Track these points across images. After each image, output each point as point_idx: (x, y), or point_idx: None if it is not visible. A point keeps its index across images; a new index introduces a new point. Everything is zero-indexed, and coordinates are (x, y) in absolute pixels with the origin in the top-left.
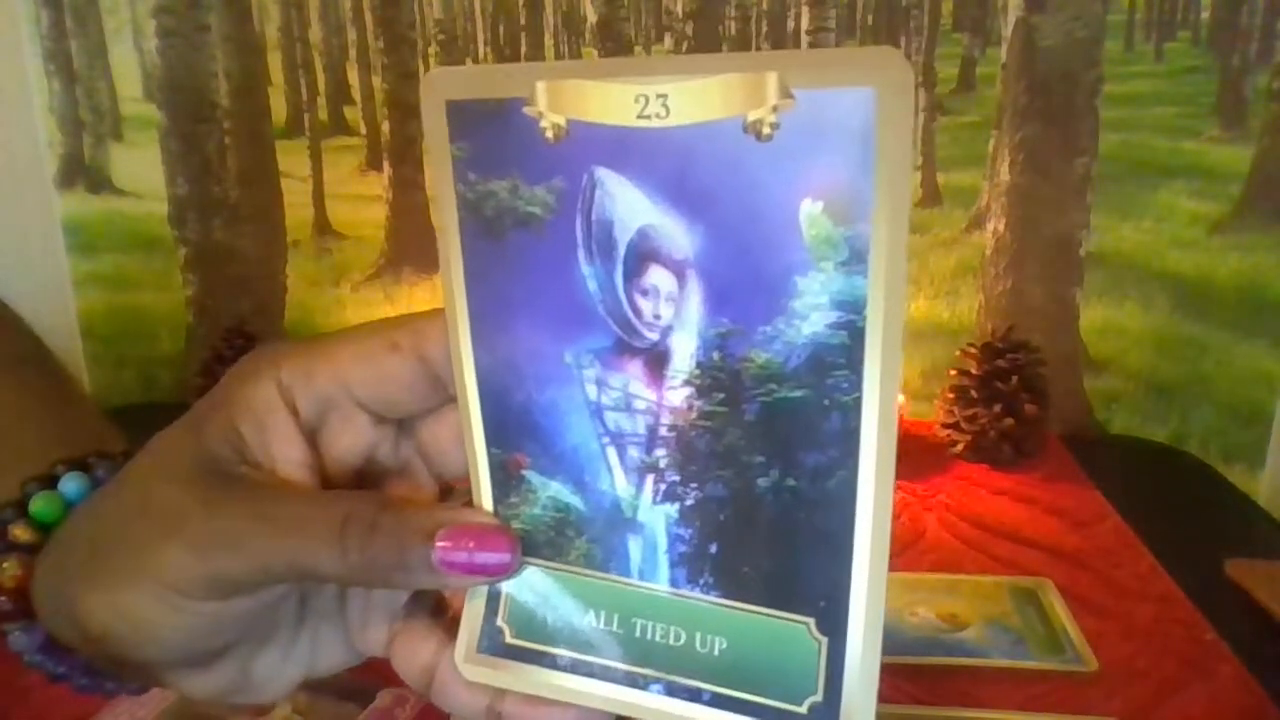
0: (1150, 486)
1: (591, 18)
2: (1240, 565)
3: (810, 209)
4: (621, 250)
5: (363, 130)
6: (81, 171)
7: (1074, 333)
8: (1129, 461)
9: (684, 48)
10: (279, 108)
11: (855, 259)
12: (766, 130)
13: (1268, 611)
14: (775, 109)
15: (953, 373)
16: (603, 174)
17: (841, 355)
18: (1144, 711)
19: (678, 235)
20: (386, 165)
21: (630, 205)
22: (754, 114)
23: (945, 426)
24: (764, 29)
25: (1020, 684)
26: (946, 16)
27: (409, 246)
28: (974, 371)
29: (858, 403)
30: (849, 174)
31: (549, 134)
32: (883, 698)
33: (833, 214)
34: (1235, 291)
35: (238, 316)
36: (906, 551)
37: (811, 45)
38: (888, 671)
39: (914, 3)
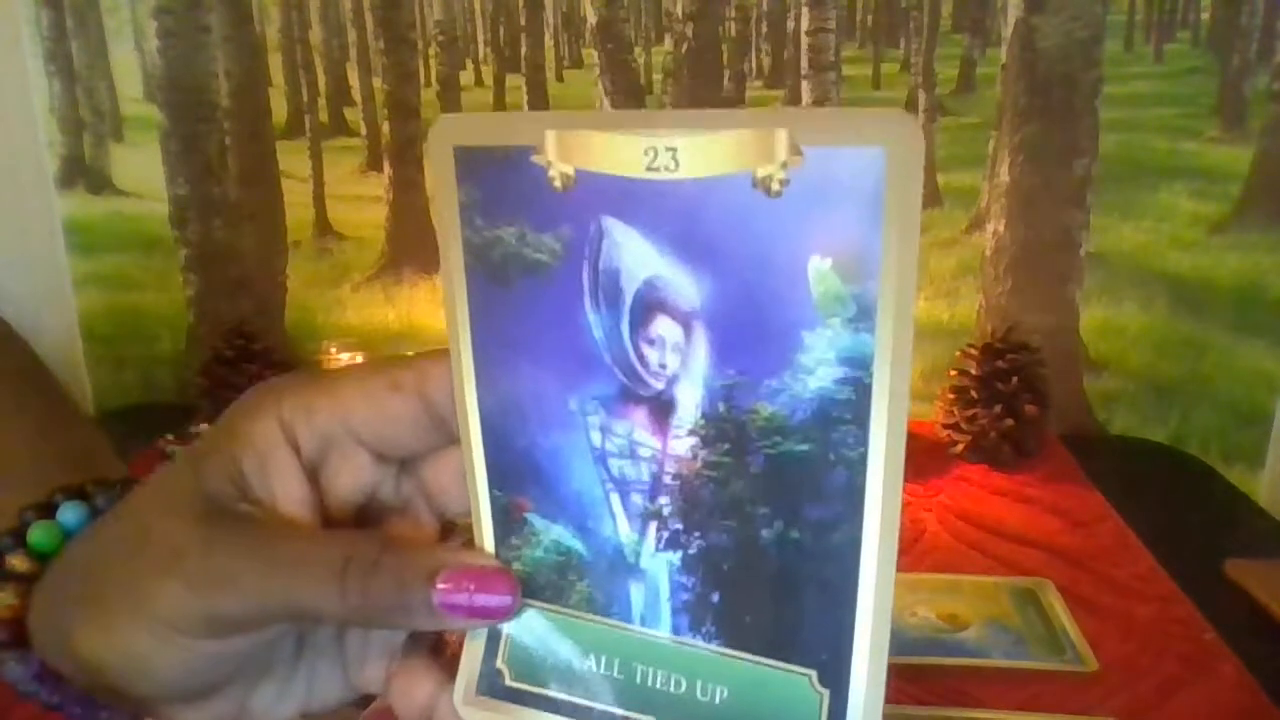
0: (1150, 486)
1: (591, 18)
2: (1240, 565)
3: (819, 265)
4: (628, 299)
5: (363, 131)
6: (82, 172)
7: (1074, 333)
8: (1129, 461)
9: (684, 49)
10: (279, 108)
11: (862, 316)
12: (776, 186)
13: (1268, 611)
14: (785, 165)
15: (953, 373)
16: (610, 223)
17: (848, 411)
18: (1144, 711)
19: (685, 286)
20: (387, 165)
21: (638, 255)
22: (763, 170)
23: (945, 427)
24: (764, 30)
25: (1020, 684)
26: (946, 17)
27: (409, 247)
28: (974, 372)
29: (863, 458)
30: (858, 232)
31: (557, 183)
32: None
33: (841, 271)
34: (1235, 291)
35: (238, 316)
36: (906, 552)
37: (811, 46)
38: (888, 671)
39: (914, 3)
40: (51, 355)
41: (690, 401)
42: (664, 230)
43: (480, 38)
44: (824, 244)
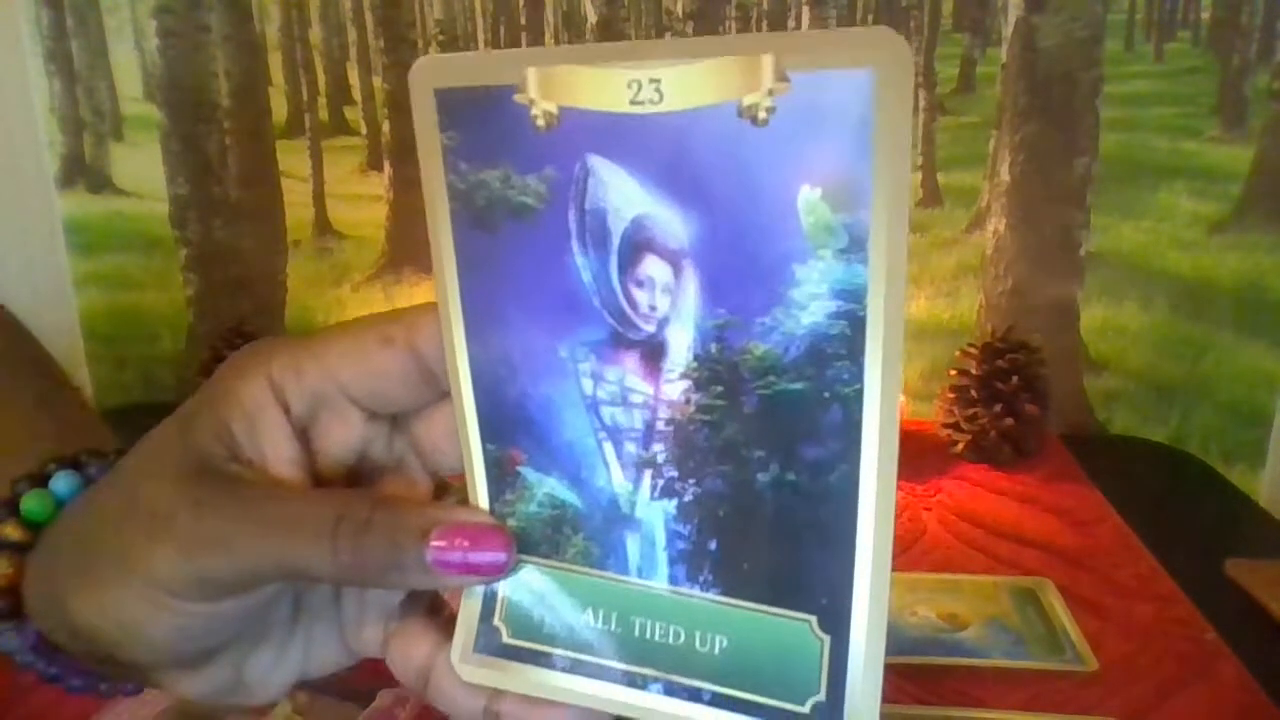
0: (1150, 486)
1: (591, 18)
2: (1240, 565)
3: (808, 195)
4: (616, 240)
5: (363, 130)
6: (82, 171)
7: (1074, 333)
8: (1129, 461)
9: None
10: (279, 108)
11: (855, 246)
12: (762, 115)
13: (1268, 611)
14: (771, 93)
15: (953, 373)
16: (596, 162)
17: (842, 346)
18: (1144, 711)
19: (673, 224)
20: (387, 165)
21: (624, 194)
22: (749, 98)
23: (945, 426)
24: (764, 29)
25: (1020, 684)
26: (946, 16)
27: (409, 246)
28: (974, 371)
29: (859, 394)
30: (847, 159)
31: (540, 122)
32: (883, 697)
33: (831, 200)
34: (1235, 291)
35: (238, 316)
36: (906, 551)
37: None
38: (888, 671)
39: (914, 3)
40: (52, 354)
41: (681, 344)
42: (650, 166)
43: (480, 37)
44: (813, 173)
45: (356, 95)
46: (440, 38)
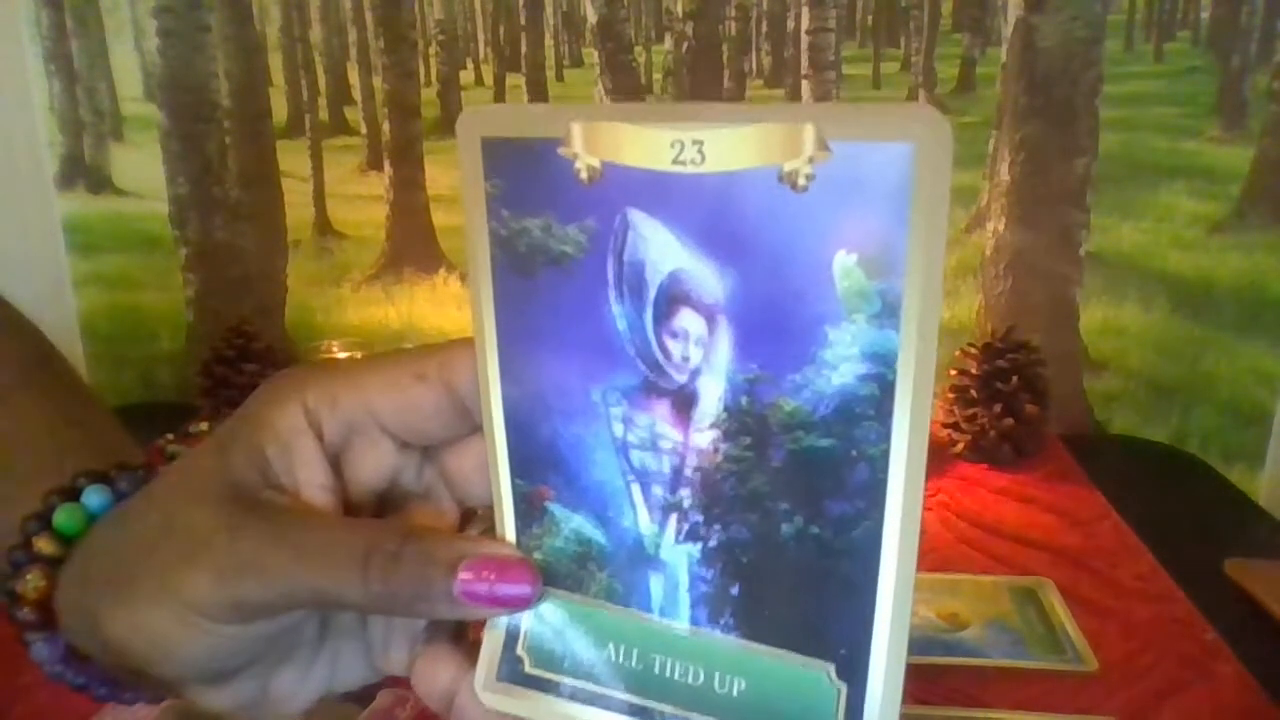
0: (1150, 486)
1: (591, 18)
2: (1240, 565)
3: (844, 261)
4: (652, 292)
5: (363, 130)
6: (82, 171)
7: (1074, 333)
8: (1129, 461)
9: (684, 48)
10: (279, 108)
11: (887, 312)
12: (802, 181)
13: (1268, 611)
14: (811, 160)
15: (953, 373)
16: (636, 216)
17: (870, 407)
18: (1144, 711)
19: (709, 280)
20: (387, 165)
21: (662, 248)
22: (790, 164)
23: (945, 426)
24: (764, 29)
25: (1020, 684)
26: (946, 17)
27: (409, 246)
28: (974, 371)
29: (885, 455)
30: (884, 228)
31: (583, 175)
32: None
33: (866, 267)
34: (1235, 291)
35: (238, 316)
36: None
37: (811, 45)
38: None
39: (914, 3)
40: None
41: (712, 395)
42: (689, 223)
43: (480, 37)
44: (850, 239)
45: (356, 95)
46: (440, 37)
